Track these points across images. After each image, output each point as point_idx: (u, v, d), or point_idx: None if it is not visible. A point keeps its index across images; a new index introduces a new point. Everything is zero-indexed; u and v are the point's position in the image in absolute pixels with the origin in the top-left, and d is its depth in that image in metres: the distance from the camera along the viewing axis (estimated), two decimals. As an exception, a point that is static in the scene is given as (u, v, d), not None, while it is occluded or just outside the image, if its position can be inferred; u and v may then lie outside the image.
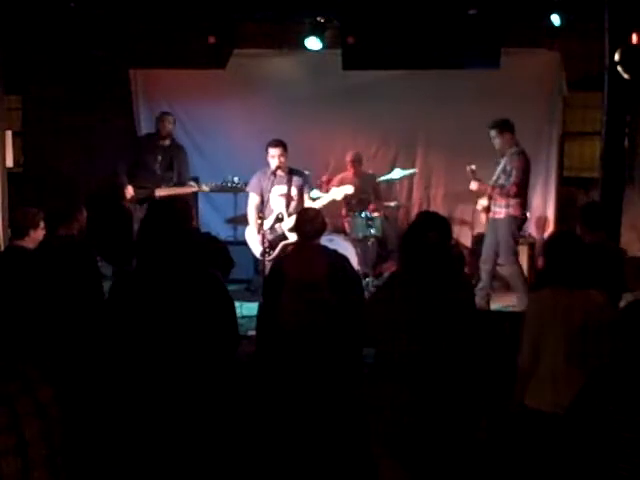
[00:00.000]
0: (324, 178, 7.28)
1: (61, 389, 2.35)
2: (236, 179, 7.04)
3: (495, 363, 3.80)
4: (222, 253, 4.91)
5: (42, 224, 4.84)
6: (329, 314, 4.12)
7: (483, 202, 6.63)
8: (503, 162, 6.48)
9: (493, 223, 6.58)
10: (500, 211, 6.49)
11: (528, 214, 6.90)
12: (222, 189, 7.13)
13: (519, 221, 6.54)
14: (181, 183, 6.93)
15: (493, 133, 6.48)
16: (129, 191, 6.84)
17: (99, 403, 2.99)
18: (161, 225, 3.13)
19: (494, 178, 6.53)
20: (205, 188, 7.10)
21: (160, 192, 6.83)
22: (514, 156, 6.42)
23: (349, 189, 6.39)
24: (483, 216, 6.80)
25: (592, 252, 4.42)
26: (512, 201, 6.41)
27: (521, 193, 6.45)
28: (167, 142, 7.03)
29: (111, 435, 2.97)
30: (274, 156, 6.31)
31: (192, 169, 8.11)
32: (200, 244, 4.13)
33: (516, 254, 6.58)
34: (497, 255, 6.58)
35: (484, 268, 6.69)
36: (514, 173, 6.38)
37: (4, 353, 2.31)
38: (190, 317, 3.04)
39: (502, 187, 6.41)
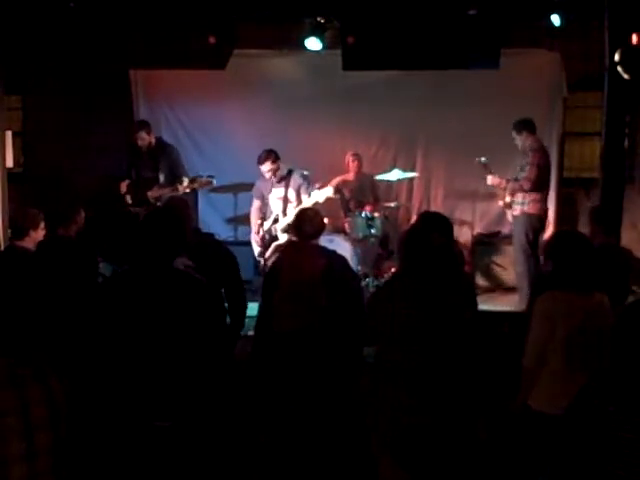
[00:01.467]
0: (317, 185, 7.29)
1: (67, 383, 2.38)
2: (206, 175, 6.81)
3: (495, 363, 3.80)
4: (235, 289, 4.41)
5: (42, 224, 4.84)
6: (324, 315, 4.12)
7: (507, 199, 6.67)
8: (522, 160, 6.55)
9: (513, 220, 6.68)
10: (516, 208, 6.56)
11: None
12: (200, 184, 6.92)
13: (534, 219, 6.52)
14: (169, 183, 6.79)
15: (513, 134, 6.60)
16: (123, 187, 6.87)
17: (94, 400, 2.99)
18: (154, 231, 3.15)
19: (515, 176, 6.60)
20: (181, 189, 6.65)
21: (152, 194, 6.80)
22: (529, 152, 6.49)
23: (329, 191, 6.41)
24: (508, 213, 6.84)
25: (603, 254, 4.46)
26: (528, 198, 6.45)
27: (537, 189, 6.48)
28: (148, 149, 6.96)
29: (105, 432, 2.97)
30: (264, 172, 6.46)
31: (192, 169, 8.11)
32: (200, 247, 4.11)
33: (527, 253, 6.53)
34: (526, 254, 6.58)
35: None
36: (527, 168, 6.44)
37: (19, 341, 2.34)
38: (172, 320, 3.03)
39: (516, 180, 6.47)
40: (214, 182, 6.68)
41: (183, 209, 4.28)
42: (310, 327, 4.12)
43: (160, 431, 2.96)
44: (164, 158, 6.92)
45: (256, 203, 6.70)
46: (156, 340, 2.99)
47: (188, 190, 6.59)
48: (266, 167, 6.46)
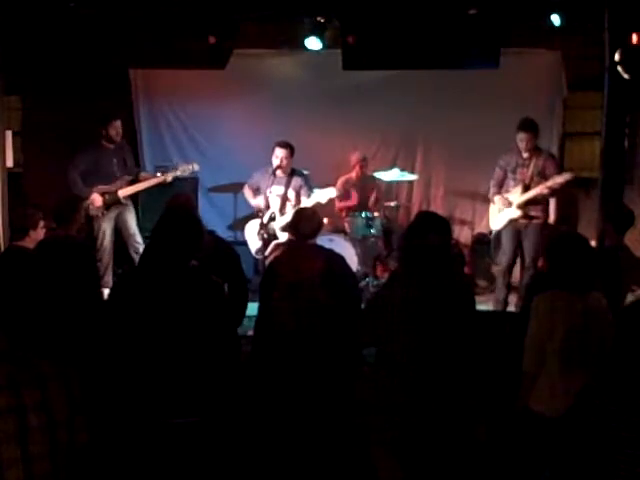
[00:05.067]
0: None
1: (73, 386, 2.37)
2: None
3: (494, 364, 3.80)
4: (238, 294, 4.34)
5: (42, 224, 4.84)
6: (322, 314, 4.12)
7: (516, 206, 6.36)
8: (534, 164, 6.31)
9: (531, 227, 6.37)
10: (539, 215, 6.36)
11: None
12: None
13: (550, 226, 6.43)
14: (137, 179, 6.81)
15: (526, 135, 6.26)
16: (96, 200, 6.63)
17: (97, 402, 3.00)
18: (172, 232, 3.15)
19: (527, 181, 6.31)
20: (169, 178, 6.77)
21: (123, 192, 6.70)
22: (549, 159, 6.37)
23: (332, 192, 6.40)
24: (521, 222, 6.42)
25: (611, 256, 4.45)
26: (551, 205, 6.38)
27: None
28: (119, 143, 6.86)
29: (110, 432, 2.97)
30: (277, 156, 6.41)
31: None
32: (211, 251, 4.11)
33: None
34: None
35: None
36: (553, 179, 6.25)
37: (19, 345, 2.34)
38: (185, 321, 3.04)
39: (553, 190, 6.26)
40: (167, 178, 6.71)
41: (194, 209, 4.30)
42: (311, 327, 4.12)
43: (178, 428, 2.98)
44: (127, 155, 6.91)
45: (247, 190, 6.78)
46: (173, 338, 3.01)
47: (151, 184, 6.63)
48: (282, 152, 6.45)
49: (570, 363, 3.24)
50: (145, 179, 6.86)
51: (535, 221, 6.37)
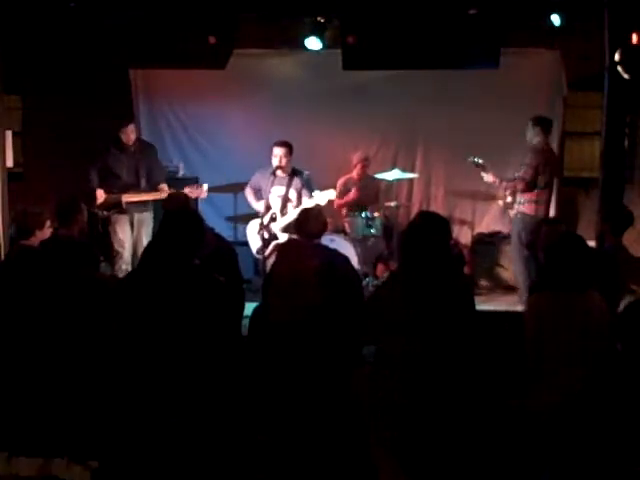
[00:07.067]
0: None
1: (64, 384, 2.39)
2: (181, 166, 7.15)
3: (495, 363, 3.80)
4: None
5: (48, 223, 4.84)
6: (316, 313, 4.13)
7: (508, 199, 6.65)
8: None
9: (512, 220, 6.67)
10: (515, 207, 6.55)
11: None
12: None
13: (529, 219, 6.43)
14: (151, 187, 6.63)
15: (528, 126, 6.52)
16: (100, 195, 6.47)
17: (98, 400, 3.00)
18: (177, 233, 3.16)
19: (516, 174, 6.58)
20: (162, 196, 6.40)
21: (127, 198, 6.51)
22: (529, 153, 6.47)
23: (331, 194, 6.41)
24: (510, 213, 6.78)
25: (610, 257, 4.46)
26: (525, 198, 6.43)
27: (532, 189, 6.43)
28: (132, 147, 6.66)
29: (111, 431, 2.98)
30: (276, 155, 6.43)
31: (192, 169, 8.13)
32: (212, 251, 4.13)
33: (521, 254, 6.53)
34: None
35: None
36: (523, 169, 6.42)
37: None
38: (187, 319, 3.05)
39: (513, 180, 6.46)
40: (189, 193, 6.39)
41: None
42: (304, 325, 4.13)
43: (178, 427, 2.98)
44: (144, 161, 6.68)
45: (249, 191, 6.77)
46: (177, 336, 3.02)
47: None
48: (280, 151, 6.45)
49: (569, 362, 3.25)
50: (161, 191, 6.56)
51: (512, 212, 6.60)
